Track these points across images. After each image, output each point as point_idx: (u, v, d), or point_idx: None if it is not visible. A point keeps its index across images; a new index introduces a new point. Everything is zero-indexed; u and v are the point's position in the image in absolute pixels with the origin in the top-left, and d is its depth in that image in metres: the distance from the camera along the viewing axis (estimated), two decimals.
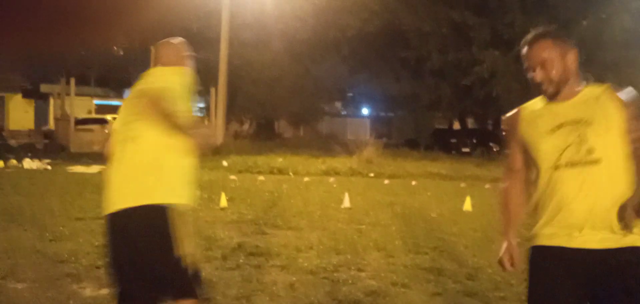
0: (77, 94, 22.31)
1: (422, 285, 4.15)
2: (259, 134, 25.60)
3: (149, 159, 2.26)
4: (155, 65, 2.46)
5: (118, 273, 2.34)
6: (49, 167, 13.23)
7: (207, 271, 3.45)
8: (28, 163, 13.22)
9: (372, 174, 13.44)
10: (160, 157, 2.27)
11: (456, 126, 29.62)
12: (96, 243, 5.18)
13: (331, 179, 12.28)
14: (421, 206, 8.47)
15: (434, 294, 3.94)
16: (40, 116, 29.66)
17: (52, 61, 21.45)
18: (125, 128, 2.34)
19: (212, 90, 20.27)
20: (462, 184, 11.98)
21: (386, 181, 12.29)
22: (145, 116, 2.27)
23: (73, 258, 4.61)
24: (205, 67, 17.20)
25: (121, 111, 2.48)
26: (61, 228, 5.85)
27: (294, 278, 4.24)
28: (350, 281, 4.19)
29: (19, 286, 3.88)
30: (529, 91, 2.09)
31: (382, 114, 32.82)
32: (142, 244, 2.27)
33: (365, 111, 36.09)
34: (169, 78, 2.39)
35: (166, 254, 2.24)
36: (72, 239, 5.35)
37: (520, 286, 4.07)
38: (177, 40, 2.54)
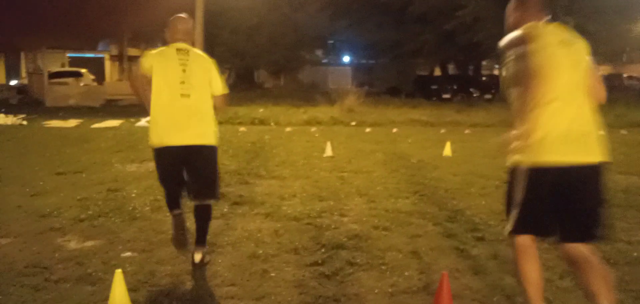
0: (49, 48, 21.60)
1: (403, 228, 4.27)
2: (238, 85, 25.20)
3: (207, 108, 3.39)
4: (184, 39, 3.40)
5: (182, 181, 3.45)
6: (25, 122, 12.95)
7: (191, 222, 3.49)
8: (2, 119, 12.91)
9: (353, 123, 13.50)
10: (211, 109, 3.43)
11: (437, 72, 29.63)
12: (78, 197, 5.17)
13: (313, 129, 12.31)
14: (402, 152, 8.59)
15: (414, 236, 4.06)
16: (11, 71, 28.71)
17: (24, 16, 20.56)
18: (193, 82, 3.32)
19: None
20: (443, 130, 12.14)
21: (368, 129, 12.37)
22: (209, 80, 3.41)
23: (56, 212, 4.60)
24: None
25: (185, 66, 3.33)
26: (42, 183, 5.80)
27: (279, 225, 4.32)
28: (333, 226, 4.29)
29: (4, 241, 3.88)
30: None
31: (364, 62, 32.51)
32: (212, 163, 3.49)
33: (346, 59, 35.74)
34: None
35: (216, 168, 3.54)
36: (54, 194, 5.32)
37: (498, 227, 4.23)
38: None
